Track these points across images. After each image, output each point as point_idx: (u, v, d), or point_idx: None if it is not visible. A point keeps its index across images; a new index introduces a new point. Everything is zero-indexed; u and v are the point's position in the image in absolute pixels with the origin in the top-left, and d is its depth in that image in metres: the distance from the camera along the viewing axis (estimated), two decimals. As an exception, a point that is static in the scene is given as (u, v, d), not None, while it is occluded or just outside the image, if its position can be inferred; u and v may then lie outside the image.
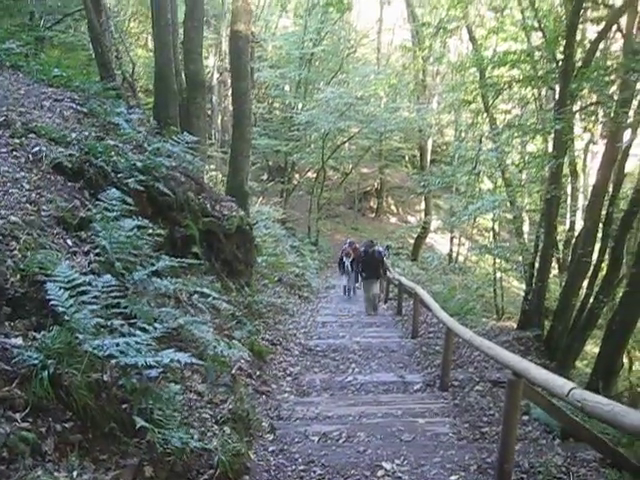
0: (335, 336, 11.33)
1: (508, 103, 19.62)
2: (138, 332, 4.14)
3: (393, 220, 39.05)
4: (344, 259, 17.09)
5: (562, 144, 11.41)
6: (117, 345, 3.84)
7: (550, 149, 14.22)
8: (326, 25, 27.95)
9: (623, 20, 11.92)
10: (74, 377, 3.73)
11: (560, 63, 11.41)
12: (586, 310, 11.28)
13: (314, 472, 5.03)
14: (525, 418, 6.42)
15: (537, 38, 16.99)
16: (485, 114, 18.57)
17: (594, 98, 12.78)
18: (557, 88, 12.22)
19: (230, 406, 5.17)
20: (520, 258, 19.61)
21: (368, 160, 36.85)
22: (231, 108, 21.55)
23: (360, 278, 14.64)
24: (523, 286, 26.58)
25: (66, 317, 3.85)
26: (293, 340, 10.61)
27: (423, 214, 36.49)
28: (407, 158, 41.04)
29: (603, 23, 11.81)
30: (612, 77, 10.82)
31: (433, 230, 34.51)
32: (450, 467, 5.19)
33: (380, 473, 5.05)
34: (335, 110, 24.63)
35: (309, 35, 27.23)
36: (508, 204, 19.71)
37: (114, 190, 6.25)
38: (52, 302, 3.88)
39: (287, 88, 33.19)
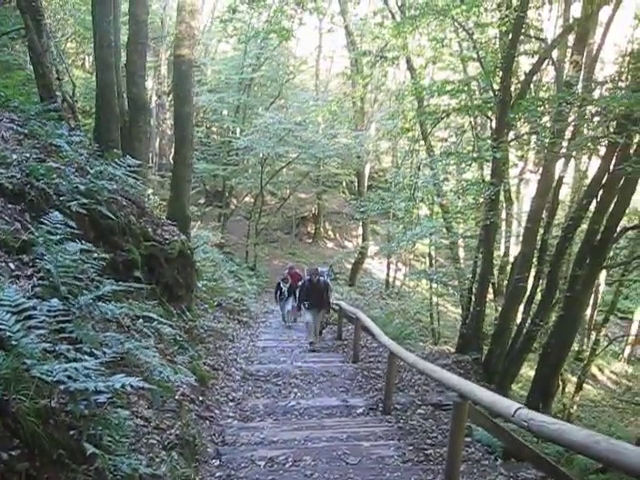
0: (276, 361, 11.32)
1: (445, 131, 20.15)
2: (86, 357, 4.08)
3: (330, 245, 39.30)
4: (281, 284, 16.50)
5: (500, 172, 11.81)
6: (66, 370, 3.78)
7: (486, 176, 14.74)
8: (266, 51, 28.20)
9: (555, 53, 12.55)
10: (22, 403, 3.65)
11: (497, 93, 11.86)
12: (522, 334, 11.64)
13: (262, 498, 5.03)
14: (468, 439, 6.56)
15: (474, 68, 17.63)
16: (423, 142, 19.00)
17: (528, 128, 13.32)
18: (494, 117, 12.68)
19: (177, 431, 5.12)
20: (456, 283, 20.10)
21: (306, 186, 37.10)
22: (169, 132, 21.33)
23: (303, 307, 13.11)
24: (459, 310, 27.22)
25: (13, 342, 3.77)
26: (234, 365, 10.54)
27: (360, 239, 36.87)
28: (344, 184, 41.49)
29: (537, 56, 12.36)
30: (546, 108, 11.28)
31: (370, 255, 34.85)
32: (397, 490, 5.28)
33: (328, 497, 5.10)
34: (274, 135, 24.78)
35: (248, 60, 27.41)
36: (445, 230, 20.19)
37: (56, 213, 6.15)
38: (-1, 327, 3.80)
39: (225, 112, 33.17)
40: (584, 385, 17.00)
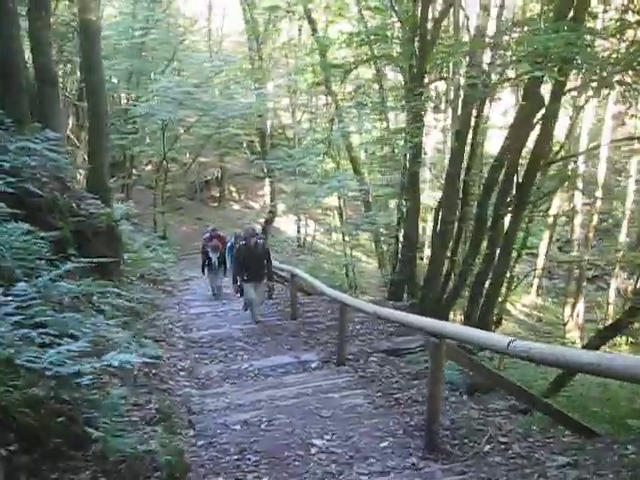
0: (215, 326, 11.20)
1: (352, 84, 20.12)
2: (67, 340, 3.90)
3: (237, 207, 38.87)
4: (210, 254, 13.89)
5: (419, 119, 12.00)
6: (51, 356, 3.60)
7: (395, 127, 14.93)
8: (155, 13, 27.09)
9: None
10: (10, 395, 3.45)
11: (414, 41, 11.98)
12: (452, 275, 12.05)
13: (249, 459, 5.01)
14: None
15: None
16: (329, 96, 18.98)
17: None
18: (407, 67, 12.82)
19: (156, 406, 5.00)
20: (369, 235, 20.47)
21: (207, 149, 36.37)
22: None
23: (239, 280, 10.87)
24: (371, 260, 27.79)
25: (-8, 332, 3.55)
26: (174, 335, 10.35)
27: (267, 199, 36.75)
28: (245, 144, 40.96)
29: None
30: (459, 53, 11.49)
31: (278, 214, 34.82)
32: (378, 435, 5.38)
33: (314, 450, 5.14)
34: (173, 100, 24.03)
35: (138, 24, 26.25)
36: (355, 182, 20.44)
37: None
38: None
39: (115, 80, 31.76)
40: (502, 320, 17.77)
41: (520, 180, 10.43)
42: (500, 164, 10.66)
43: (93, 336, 4.44)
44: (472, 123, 11.74)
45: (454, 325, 4.73)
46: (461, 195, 12.13)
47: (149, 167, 34.01)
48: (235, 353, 9.20)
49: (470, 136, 11.90)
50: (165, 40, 28.31)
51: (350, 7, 17.49)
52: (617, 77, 10.32)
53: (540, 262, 23.92)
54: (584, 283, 23.74)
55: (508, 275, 13.77)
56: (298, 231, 31.76)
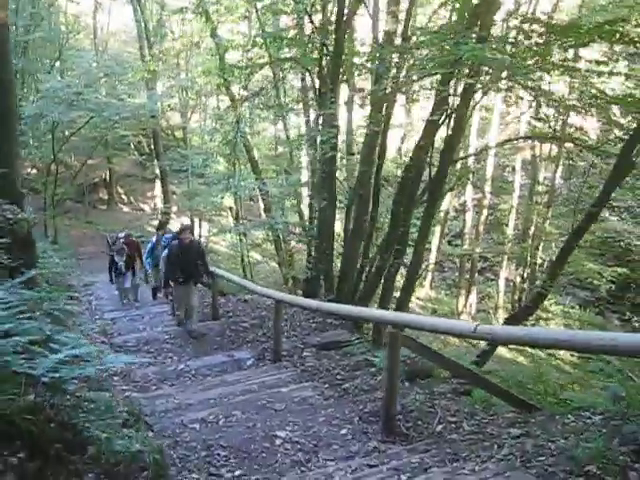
0: (135, 330, 11.11)
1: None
2: (56, 347, 3.92)
3: (126, 209, 38.03)
4: (115, 257, 13.60)
5: (333, 119, 12.38)
6: (46, 363, 3.63)
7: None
8: (39, 9, 26.06)
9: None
10: (13, 403, 3.47)
11: (328, 47, 12.34)
12: (367, 271, 12.52)
13: (218, 455, 5.15)
14: (373, 369, 7.11)
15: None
16: (227, 97, 19.04)
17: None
18: (316, 71, 13.20)
19: (125, 409, 5.04)
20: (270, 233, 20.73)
21: (93, 150, 35.33)
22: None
23: (174, 283, 10.15)
24: (268, 260, 28.00)
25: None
26: (96, 339, 10.18)
27: (158, 200, 36.16)
28: (133, 146, 40.09)
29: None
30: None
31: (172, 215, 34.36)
32: (336, 423, 5.65)
33: (278, 442, 5.34)
34: (64, 100, 23.22)
35: (21, 21, 25.14)
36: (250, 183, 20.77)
37: None
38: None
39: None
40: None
41: (432, 176, 11.07)
42: (414, 163, 11.20)
43: (69, 342, 4.44)
44: (382, 125, 12.23)
45: (415, 316, 5.08)
46: (372, 193, 12.60)
47: (34, 171, 32.64)
48: (164, 355, 9.23)
49: (380, 137, 12.39)
50: (50, 38, 27.31)
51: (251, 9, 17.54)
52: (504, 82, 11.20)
53: (433, 256, 24.99)
54: (476, 275, 25.08)
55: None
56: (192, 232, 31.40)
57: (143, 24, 26.71)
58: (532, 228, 23.84)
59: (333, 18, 13.05)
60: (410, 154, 12.17)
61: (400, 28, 11.79)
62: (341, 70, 12.53)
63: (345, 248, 13.11)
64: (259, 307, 11.69)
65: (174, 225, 35.53)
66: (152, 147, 35.18)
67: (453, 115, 10.55)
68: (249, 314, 11.43)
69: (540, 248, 24.23)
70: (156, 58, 27.52)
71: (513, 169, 26.61)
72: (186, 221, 33.10)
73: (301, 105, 20.04)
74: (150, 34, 27.52)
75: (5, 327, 4.22)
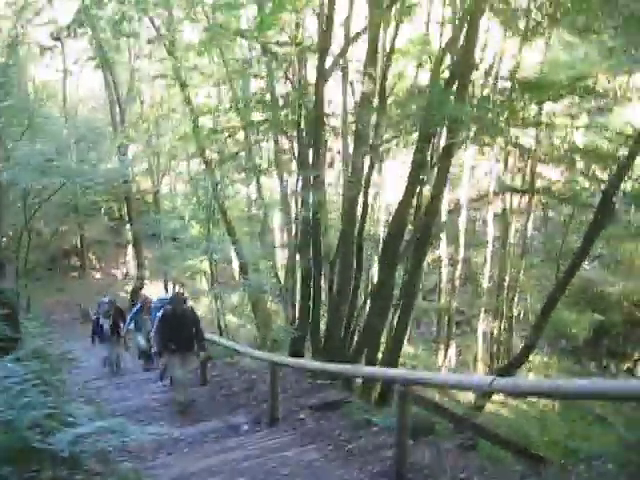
0: (123, 398, 10.83)
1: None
2: (71, 420, 3.85)
3: (98, 276, 37.58)
4: (101, 321, 13.43)
5: (319, 180, 12.56)
6: (70, 436, 3.56)
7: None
8: (10, 77, 26.16)
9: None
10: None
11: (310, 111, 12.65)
12: (351, 329, 12.56)
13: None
14: (375, 429, 7.05)
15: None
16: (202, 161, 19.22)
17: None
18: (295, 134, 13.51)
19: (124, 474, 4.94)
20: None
21: (62, 216, 35.09)
22: None
23: (164, 353, 9.54)
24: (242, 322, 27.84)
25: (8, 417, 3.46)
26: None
27: (130, 266, 35.93)
28: (103, 211, 39.94)
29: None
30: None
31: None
32: (348, 485, 5.57)
33: (291, 507, 5.24)
34: (36, 167, 23.15)
35: (-9, 91, 25.22)
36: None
37: None
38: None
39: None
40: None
41: (418, 233, 11.24)
42: (397, 222, 11.36)
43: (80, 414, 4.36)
44: (362, 183, 12.41)
45: (426, 372, 5.09)
46: (355, 251, 12.66)
47: (3, 239, 32.27)
48: (156, 423, 9.00)
49: (362, 196, 12.55)
50: (20, 106, 27.31)
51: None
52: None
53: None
54: (453, 329, 25.14)
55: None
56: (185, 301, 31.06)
57: (114, 90, 26.97)
58: (507, 279, 24.06)
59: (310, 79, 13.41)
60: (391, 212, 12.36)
61: (377, 89, 12.09)
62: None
63: (330, 307, 13.03)
64: (246, 370, 11.53)
65: (149, 290, 35.35)
66: (123, 212, 35.26)
67: (435, 170, 10.79)
68: (237, 378, 11.28)
69: (516, 299, 24.44)
70: (131, 124, 27.80)
71: (484, 222, 27.02)
72: (157, 286, 32.93)
73: (274, 167, 20.33)
74: (121, 100, 27.77)
75: (22, 402, 4.16)
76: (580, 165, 14.86)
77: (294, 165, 17.34)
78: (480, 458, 5.76)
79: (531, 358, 24.37)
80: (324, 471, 5.95)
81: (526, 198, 22.96)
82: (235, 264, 31.27)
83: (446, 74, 11.53)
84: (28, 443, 3.46)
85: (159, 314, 9.85)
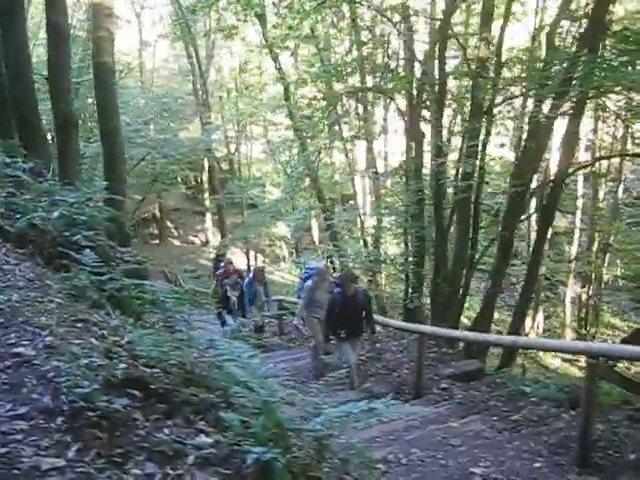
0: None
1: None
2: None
3: (177, 243, 38.30)
4: (228, 292, 11.84)
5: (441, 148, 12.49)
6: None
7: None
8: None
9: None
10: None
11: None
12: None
13: None
14: (533, 399, 6.99)
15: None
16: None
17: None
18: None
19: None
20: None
21: (151, 187, 35.78)
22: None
23: (335, 338, 8.96)
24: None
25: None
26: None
27: (209, 233, 36.51)
28: (180, 179, 40.54)
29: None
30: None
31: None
32: (526, 457, 5.49)
33: (478, 479, 5.23)
34: (124, 139, 23.59)
35: (74, 65, 25.65)
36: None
37: (88, 251, 5.61)
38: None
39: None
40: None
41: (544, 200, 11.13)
42: (523, 168, 11.26)
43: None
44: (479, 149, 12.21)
45: (613, 344, 5.02)
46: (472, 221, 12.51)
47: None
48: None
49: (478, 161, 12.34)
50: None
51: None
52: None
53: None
54: (541, 295, 24.75)
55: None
56: (248, 264, 31.54)
57: (196, 60, 27.15)
58: (596, 244, 23.54)
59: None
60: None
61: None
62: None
63: (450, 276, 12.81)
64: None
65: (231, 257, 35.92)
66: (199, 180, 35.67)
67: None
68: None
69: (605, 265, 23.90)
70: (209, 90, 27.92)
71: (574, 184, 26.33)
72: (236, 252, 33.34)
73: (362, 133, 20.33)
74: (202, 69, 27.94)
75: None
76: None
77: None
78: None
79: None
80: (497, 442, 5.92)
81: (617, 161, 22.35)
82: (315, 231, 31.56)
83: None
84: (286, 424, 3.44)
85: (307, 284, 9.64)
